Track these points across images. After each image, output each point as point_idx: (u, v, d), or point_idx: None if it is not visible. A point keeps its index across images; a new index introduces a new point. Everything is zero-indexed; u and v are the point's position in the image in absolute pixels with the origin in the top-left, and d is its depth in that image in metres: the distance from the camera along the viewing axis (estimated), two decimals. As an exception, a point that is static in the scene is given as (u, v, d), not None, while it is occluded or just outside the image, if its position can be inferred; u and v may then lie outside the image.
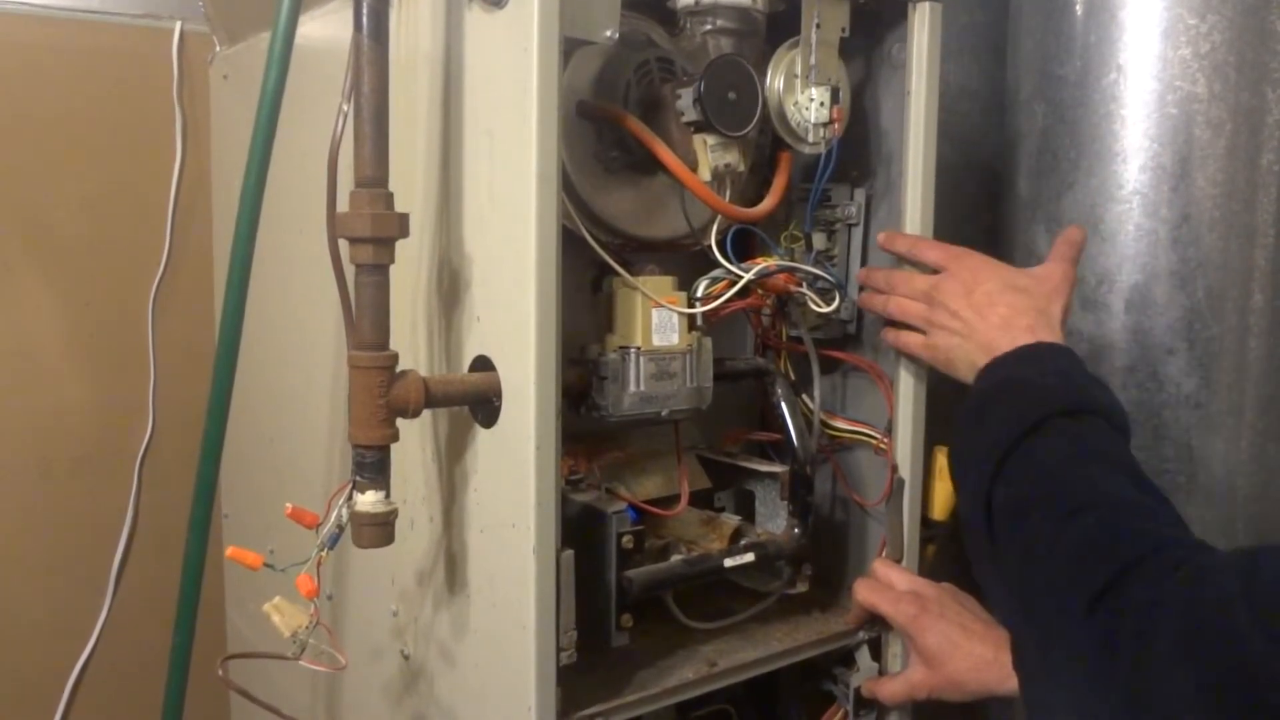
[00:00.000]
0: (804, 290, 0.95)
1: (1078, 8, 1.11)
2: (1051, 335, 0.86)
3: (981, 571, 0.80)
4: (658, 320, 0.85)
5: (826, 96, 0.91)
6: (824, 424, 1.02)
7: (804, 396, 1.00)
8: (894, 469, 0.98)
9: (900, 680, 0.95)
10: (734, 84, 0.85)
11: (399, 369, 0.76)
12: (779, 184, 0.93)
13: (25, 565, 1.36)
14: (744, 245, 0.95)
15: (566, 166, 0.82)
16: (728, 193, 0.90)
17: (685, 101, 0.84)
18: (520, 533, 0.75)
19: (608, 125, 0.87)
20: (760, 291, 0.93)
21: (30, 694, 1.37)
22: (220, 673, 0.82)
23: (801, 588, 0.95)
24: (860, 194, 1.01)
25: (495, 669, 0.81)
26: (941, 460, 0.98)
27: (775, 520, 0.97)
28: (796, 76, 0.91)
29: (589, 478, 0.90)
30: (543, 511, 0.74)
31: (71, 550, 1.38)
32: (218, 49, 1.33)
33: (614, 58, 0.88)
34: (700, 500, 0.99)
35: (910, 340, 0.94)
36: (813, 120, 0.92)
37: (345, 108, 0.75)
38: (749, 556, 0.91)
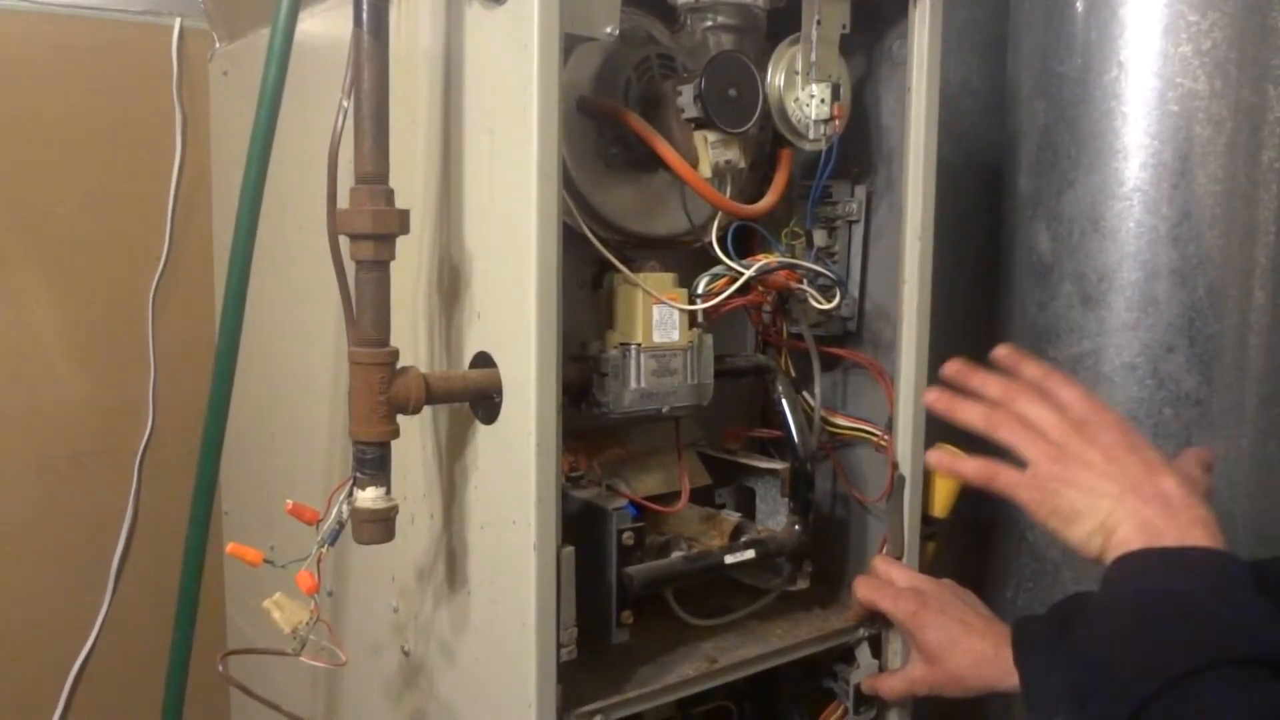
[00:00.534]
0: (805, 287, 0.95)
1: (1078, 4, 1.10)
2: (1220, 541, 0.69)
3: None
4: (658, 317, 0.85)
5: (827, 93, 0.91)
6: (824, 421, 1.02)
7: (805, 393, 1.00)
8: (894, 466, 0.98)
9: (900, 676, 0.95)
10: (735, 80, 0.85)
11: (399, 365, 0.76)
12: (779, 181, 0.93)
13: (25, 562, 1.36)
14: (745, 242, 0.95)
15: (567, 163, 0.82)
16: (728, 189, 0.89)
17: (686, 98, 0.84)
18: (521, 529, 0.75)
19: (608, 122, 0.87)
20: (761, 288, 0.93)
21: (30, 690, 1.37)
22: (220, 669, 0.82)
23: (802, 585, 0.95)
24: (861, 191, 1.01)
25: (495, 665, 0.81)
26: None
27: (776, 517, 0.97)
28: (797, 73, 0.91)
29: (589, 474, 0.90)
30: (543, 508, 0.74)
31: (71, 547, 1.38)
32: (217, 45, 1.33)
33: (614, 54, 0.88)
34: (701, 497, 0.99)
35: (1009, 477, 0.76)
36: (813, 117, 0.92)
37: (345, 104, 0.75)
38: (749, 553, 0.91)
